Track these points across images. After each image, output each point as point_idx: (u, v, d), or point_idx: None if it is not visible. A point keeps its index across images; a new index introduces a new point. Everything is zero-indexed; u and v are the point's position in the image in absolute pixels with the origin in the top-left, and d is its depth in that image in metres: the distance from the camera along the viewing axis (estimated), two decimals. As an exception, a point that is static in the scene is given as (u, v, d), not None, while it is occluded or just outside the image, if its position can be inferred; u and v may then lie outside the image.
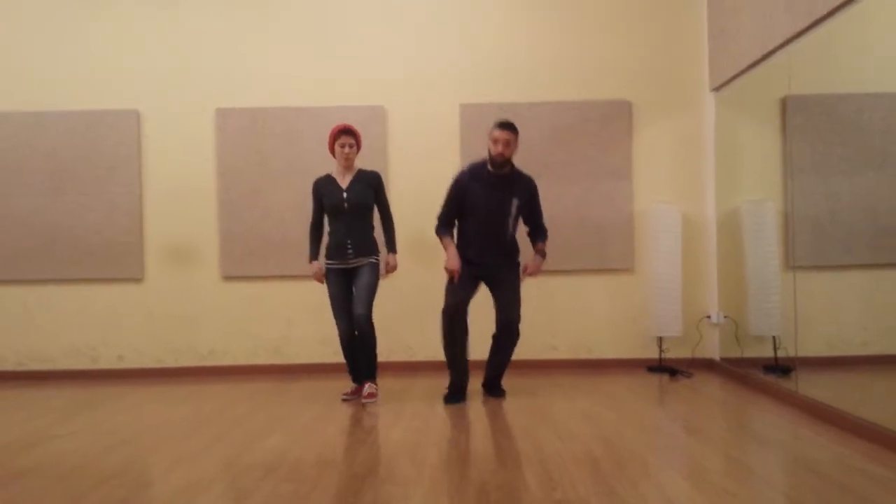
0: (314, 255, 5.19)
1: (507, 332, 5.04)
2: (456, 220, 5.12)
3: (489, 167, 4.98)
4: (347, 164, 5.08)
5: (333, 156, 5.12)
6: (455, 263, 4.95)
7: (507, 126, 4.89)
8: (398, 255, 5.25)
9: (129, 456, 3.85)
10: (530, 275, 5.10)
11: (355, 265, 5.06)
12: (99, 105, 6.39)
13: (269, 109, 6.35)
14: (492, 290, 5.10)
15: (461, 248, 5.06)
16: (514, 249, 5.11)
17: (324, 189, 5.13)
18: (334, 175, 5.16)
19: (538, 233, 5.21)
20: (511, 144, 4.89)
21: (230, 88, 6.39)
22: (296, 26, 6.40)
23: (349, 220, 5.06)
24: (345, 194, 5.06)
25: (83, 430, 4.45)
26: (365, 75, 6.37)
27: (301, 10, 6.40)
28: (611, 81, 6.34)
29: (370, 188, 5.11)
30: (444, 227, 5.11)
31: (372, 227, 5.16)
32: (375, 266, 5.10)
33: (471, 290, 5.04)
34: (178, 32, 6.42)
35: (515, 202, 4.99)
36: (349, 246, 5.04)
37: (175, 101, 6.40)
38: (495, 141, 4.87)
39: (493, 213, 4.97)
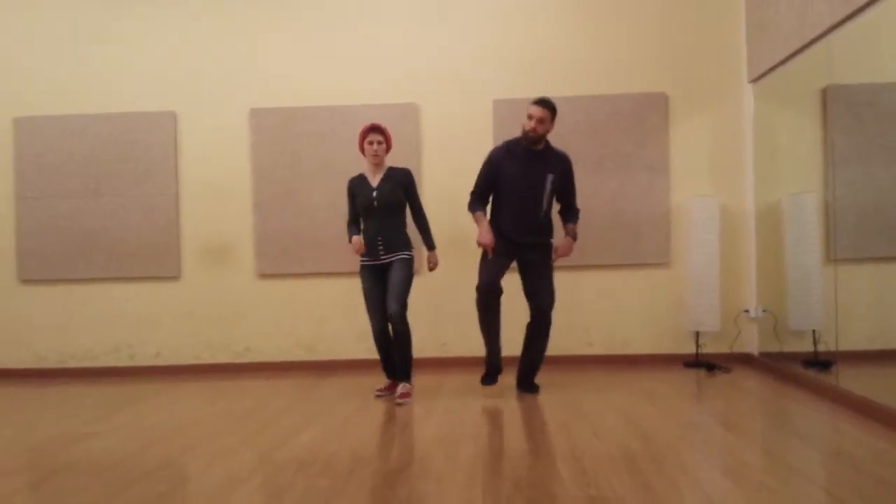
0: (354, 233, 5.13)
1: (539, 320, 5.05)
2: (490, 195, 5.13)
3: (524, 143, 4.98)
4: (376, 160, 5.09)
5: (363, 154, 5.14)
6: (487, 238, 4.94)
7: (543, 103, 4.90)
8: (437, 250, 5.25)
9: (167, 452, 3.90)
10: (561, 256, 5.06)
11: (387, 261, 5.08)
12: (136, 107, 6.48)
13: (302, 109, 6.39)
14: (523, 273, 5.08)
15: (495, 222, 5.06)
16: (547, 227, 5.08)
17: (356, 189, 5.15)
18: (366, 174, 5.18)
19: (569, 212, 5.18)
20: (545, 122, 4.88)
21: (264, 89, 6.44)
22: (328, 26, 6.42)
23: (380, 218, 5.07)
24: (374, 193, 5.07)
25: (123, 427, 4.52)
26: (397, 73, 6.38)
27: (334, 10, 6.42)
28: (647, 74, 6.27)
29: (400, 185, 5.11)
30: (476, 201, 5.11)
31: (404, 224, 5.16)
32: (409, 261, 5.09)
33: (504, 267, 5.02)
34: (212, 35, 6.48)
35: (550, 177, 4.96)
36: (380, 243, 5.05)
37: (210, 102, 6.47)
38: (530, 117, 4.88)
39: (528, 188, 4.96)
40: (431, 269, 5.23)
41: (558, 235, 5.12)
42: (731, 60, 6.22)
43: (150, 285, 6.49)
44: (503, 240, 4.99)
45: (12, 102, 6.54)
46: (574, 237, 5.10)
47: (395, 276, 5.02)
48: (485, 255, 5.00)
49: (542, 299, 5.02)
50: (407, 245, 5.12)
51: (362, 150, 5.12)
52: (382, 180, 5.10)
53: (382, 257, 5.07)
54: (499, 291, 4.99)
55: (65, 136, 6.48)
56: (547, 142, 5.02)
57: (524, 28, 6.34)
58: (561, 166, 5.03)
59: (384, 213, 5.07)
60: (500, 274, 5.00)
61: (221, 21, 6.48)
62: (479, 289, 4.99)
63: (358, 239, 5.07)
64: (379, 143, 5.07)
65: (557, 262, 5.14)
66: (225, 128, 6.45)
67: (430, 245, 5.21)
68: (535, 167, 4.96)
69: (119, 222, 6.46)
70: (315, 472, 3.42)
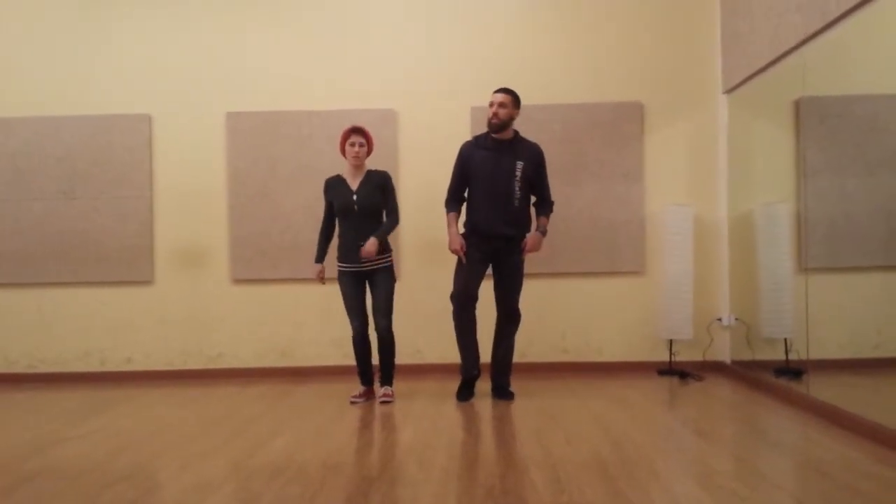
0: (319, 258, 5.24)
1: (506, 321, 5.16)
2: (464, 192, 5.18)
3: (492, 134, 5.07)
4: (357, 162, 5.10)
5: (344, 156, 5.14)
6: (455, 243, 5.02)
7: (502, 89, 5.04)
8: (375, 244, 5.02)
9: (139, 458, 3.86)
10: (529, 251, 5.09)
11: (368, 268, 5.07)
12: (111, 110, 6.42)
13: (279, 113, 6.37)
14: (495, 273, 5.14)
15: (470, 216, 5.11)
16: (523, 220, 5.11)
17: (334, 189, 5.17)
18: (345, 175, 5.18)
19: (543, 205, 5.23)
20: (507, 105, 4.99)
21: (241, 92, 6.41)
22: (306, 30, 6.41)
23: (359, 222, 5.08)
24: (354, 196, 5.07)
25: (94, 433, 4.47)
26: (376, 78, 6.38)
27: (312, 14, 6.41)
28: (622, 83, 6.31)
29: (378, 188, 5.13)
30: (451, 200, 5.19)
31: None
32: (390, 269, 5.13)
33: (479, 273, 5.07)
34: (188, 37, 6.44)
35: (520, 164, 5.02)
36: (360, 248, 5.05)
37: (186, 105, 6.43)
38: (491, 104, 5.00)
39: (499, 178, 5.01)
40: (361, 251, 4.99)
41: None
42: (705, 71, 6.28)
43: (123, 290, 6.42)
44: (479, 239, 5.03)
45: (-16, 103, 6.47)
46: (544, 232, 5.15)
47: (380, 289, 5.07)
48: (460, 261, 5.03)
49: (509, 302, 5.11)
50: (386, 249, 5.13)
51: (343, 151, 5.13)
52: (362, 183, 5.11)
53: (364, 262, 5.07)
54: (473, 300, 5.03)
55: (38, 138, 6.41)
56: (516, 132, 5.12)
57: (502, 36, 6.37)
58: (531, 155, 5.10)
59: (364, 218, 5.08)
60: (476, 282, 5.04)
61: (198, 24, 6.44)
62: (453, 297, 5.04)
63: (321, 268, 5.18)
64: (361, 144, 5.09)
65: (533, 269, 5.16)
66: (201, 131, 6.41)
67: (381, 236, 5.04)
68: (505, 156, 5.03)
69: (92, 225, 6.39)
70: (288, 479, 3.40)
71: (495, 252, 5.06)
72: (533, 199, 5.22)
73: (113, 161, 6.40)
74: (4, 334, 6.44)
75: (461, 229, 5.16)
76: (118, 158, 6.40)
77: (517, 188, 5.01)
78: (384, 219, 5.17)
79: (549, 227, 5.22)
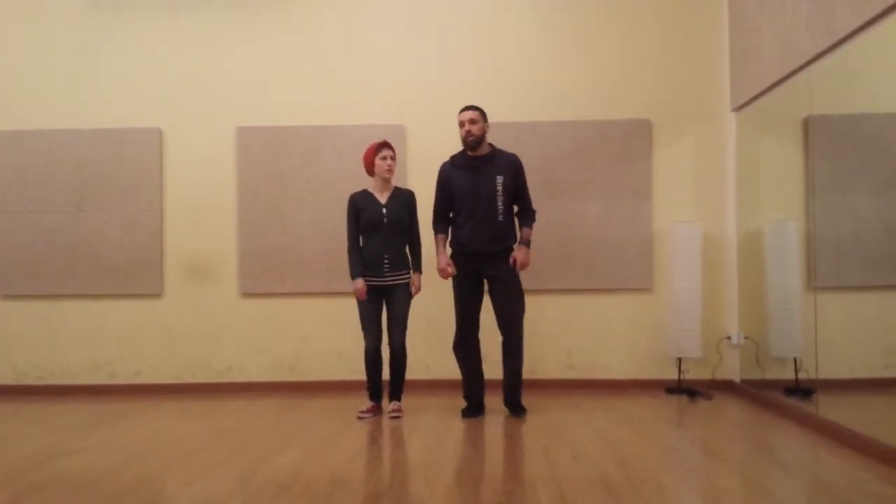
0: (359, 272, 5.14)
1: (508, 329, 5.08)
2: (449, 213, 5.20)
3: (468, 151, 5.11)
4: (390, 175, 5.19)
5: (370, 173, 5.22)
6: (440, 264, 5.10)
7: (469, 106, 5.10)
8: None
9: (145, 471, 3.86)
10: (520, 268, 5.09)
11: (391, 282, 5.12)
12: (122, 123, 6.47)
13: (289, 128, 6.40)
14: (489, 288, 5.14)
15: (455, 235, 5.14)
16: (507, 233, 5.09)
17: (361, 203, 5.20)
18: (371, 191, 5.23)
19: (525, 214, 5.22)
20: (477, 122, 5.04)
21: (251, 107, 6.45)
22: (316, 46, 6.45)
23: (387, 235, 5.14)
24: (384, 210, 5.14)
25: (100, 445, 4.47)
26: (385, 95, 6.41)
27: (321, 30, 6.46)
28: (631, 100, 6.32)
29: (406, 206, 5.21)
30: (437, 222, 5.23)
31: (406, 244, 5.24)
32: (408, 286, 5.19)
33: (476, 297, 5.12)
34: (200, 52, 6.49)
35: (500, 179, 5.03)
36: (386, 260, 5.11)
37: (197, 120, 6.47)
38: (461, 124, 5.06)
39: (481, 195, 5.02)
40: (415, 292, 5.24)
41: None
42: (714, 89, 6.29)
43: (132, 302, 6.45)
44: (464, 257, 5.06)
45: (-3, 116, 6.53)
46: (528, 244, 5.12)
47: (398, 306, 5.14)
48: (456, 293, 5.09)
49: (508, 310, 5.07)
50: (409, 264, 5.23)
51: (371, 166, 5.19)
52: (391, 198, 5.20)
53: (387, 275, 5.11)
54: (475, 327, 5.11)
55: (49, 151, 6.45)
56: (492, 146, 5.16)
57: (511, 53, 6.39)
58: (510, 167, 5.11)
59: (392, 231, 5.15)
60: (475, 307, 5.12)
61: (209, 38, 6.49)
62: (457, 329, 5.14)
63: (363, 283, 5.10)
64: (392, 157, 5.20)
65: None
66: (211, 145, 6.45)
67: (418, 267, 5.27)
68: (483, 172, 5.06)
69: (102, 238, 6.42)
70: (294, 495, 3.40)
71: (481, 267, 5.07)
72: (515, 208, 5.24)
73: (123, 174, 6.44)
74: (13, 346, 6.46)
75: (448, 250, 5.22)
76: (128, 172, 6.44)
77: (500, 203, 5.03)
78: (407, 234, 5.24)
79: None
